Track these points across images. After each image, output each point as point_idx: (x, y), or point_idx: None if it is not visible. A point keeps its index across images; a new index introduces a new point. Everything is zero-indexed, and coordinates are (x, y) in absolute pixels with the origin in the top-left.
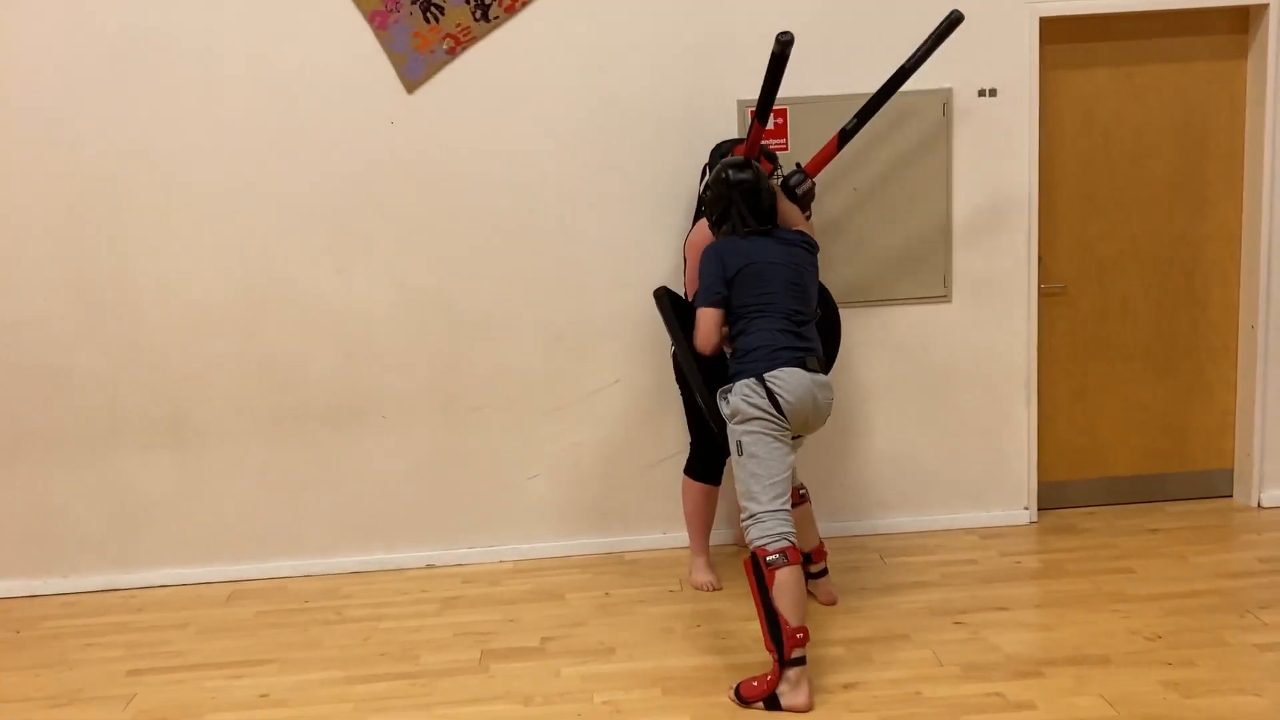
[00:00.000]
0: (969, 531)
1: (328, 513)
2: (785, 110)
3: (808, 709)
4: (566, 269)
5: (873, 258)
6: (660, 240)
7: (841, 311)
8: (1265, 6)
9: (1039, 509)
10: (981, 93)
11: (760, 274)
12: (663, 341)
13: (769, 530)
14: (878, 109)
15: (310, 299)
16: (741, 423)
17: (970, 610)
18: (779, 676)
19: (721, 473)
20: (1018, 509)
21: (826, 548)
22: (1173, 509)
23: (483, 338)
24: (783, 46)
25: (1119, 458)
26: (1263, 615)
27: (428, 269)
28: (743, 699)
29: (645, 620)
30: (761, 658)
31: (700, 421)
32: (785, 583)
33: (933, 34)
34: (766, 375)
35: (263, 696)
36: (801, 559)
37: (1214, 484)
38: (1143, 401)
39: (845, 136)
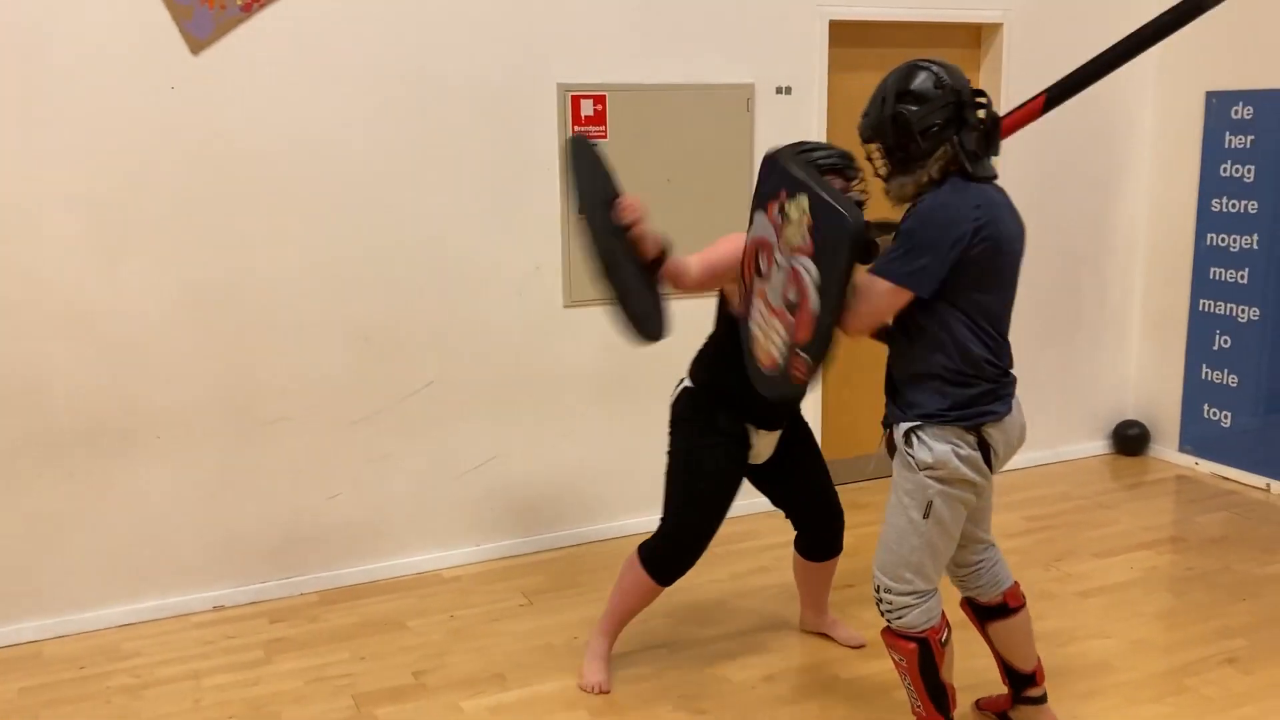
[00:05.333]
0: (772, 515)
1: (84, 557)
2: (605, 97)
3: None
4: (375, 262)
5: (682, 247)
6: (478, 230)
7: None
8: (998, 25)
9: None
10: (779, 90)
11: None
12: (480, 338)
13: (936, 609)
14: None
15: (62, 299)
16: (942, 480)
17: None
18: None
19: (682, 574)
20: None
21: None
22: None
23: (279, 340)
24: None
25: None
26: (1064, 567)
27: (213, 261)
28: None
29: (513, 639)
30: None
31: (690, 495)
32: (950, 654)
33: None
34: (988, 427)
35: None
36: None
37: None
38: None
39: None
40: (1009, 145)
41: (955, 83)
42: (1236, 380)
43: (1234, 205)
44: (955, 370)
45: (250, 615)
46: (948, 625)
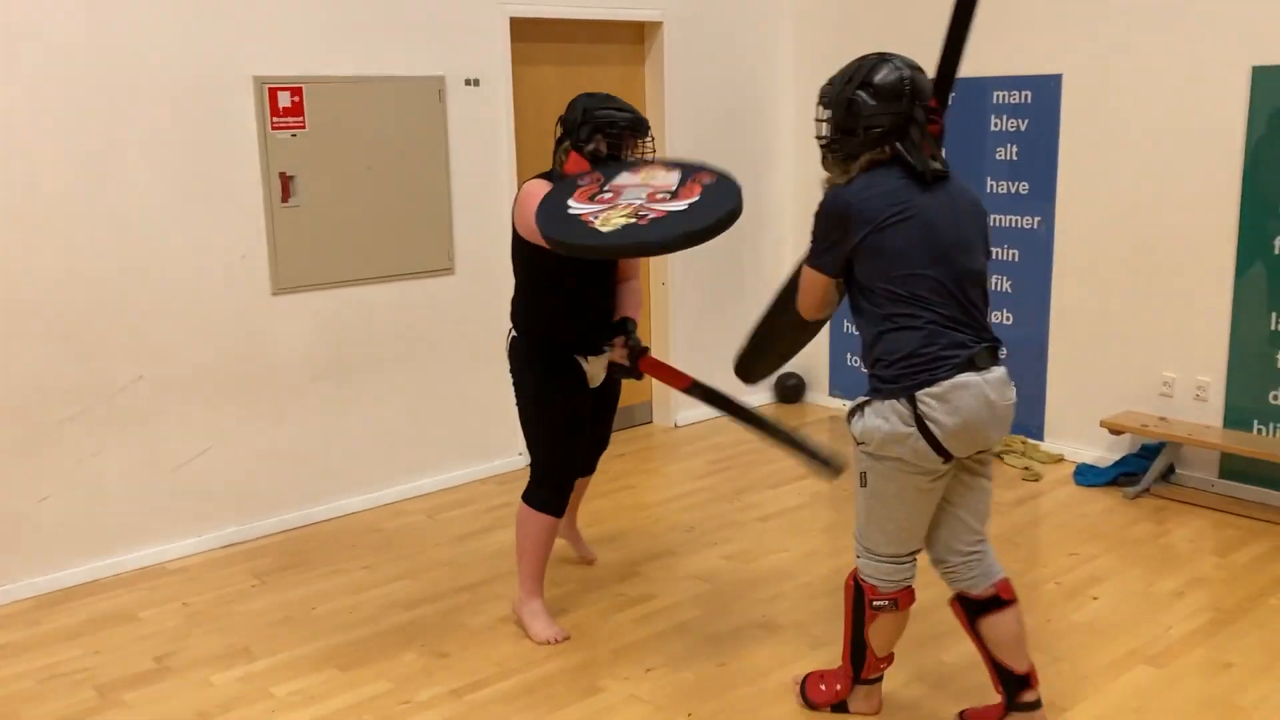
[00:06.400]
0: (485, 481)
1: None
2: (301, 89)
3: (877, 712)
4: (70, 261)
5: (382, 234)
6: (180, 223)
7: (354, 289)
8: (659, 24)
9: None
10: (468, 82)
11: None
12: (189, 330)
13: (886, 575)
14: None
15: None
16: (871, 454)
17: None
18: (849, 689)
19: (567, 502)
20: (514, 454)
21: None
22: (619, 437)
23: None
24: None
25: None
26: (745, 499)
27: None
28: (805, 697)
29: (251, 617)
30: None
31: (549, 434)
32: (885, 625)
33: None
34: (920, 394)
35: None
36: (1001, 680)
37: (639, 414)
38: None
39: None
40: (681, 131)
41: (915, 95)
42: None
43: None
44: (886, 347)
45: None
46: (890, 600)
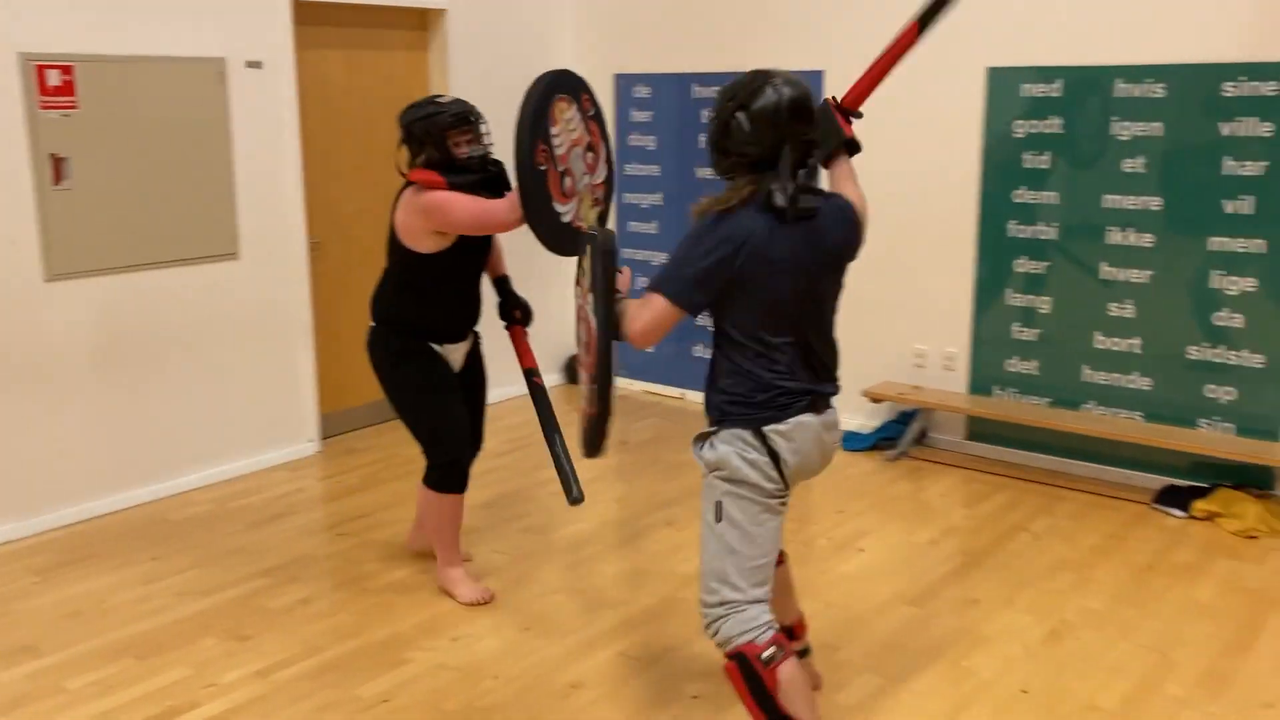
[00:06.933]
0: (275, 469)
1: None
2: (73, 68)
3: None
4: None
5: (163, 219)
6: None
7: (134, 274)
8: (443, 11)
9: (321, 439)
10: (250, 64)
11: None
12: None
13: (754, 621)
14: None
15: None
16: (727, 481)
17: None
18: None
19: (465, 477)
20: (304, 442)
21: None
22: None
23: None
24: None
25: (373, 384)
26: (540, 475)
27: None
28: None
29: (34, 614)
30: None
31: (428, 418)
32: (792, 680)
33: None
34: (767, 429)
35: None
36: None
37: None
38: None
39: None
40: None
41: (792, 118)
42: None
43: (641, 169)
44: (739, 380)
45: None
46: (777, 645)
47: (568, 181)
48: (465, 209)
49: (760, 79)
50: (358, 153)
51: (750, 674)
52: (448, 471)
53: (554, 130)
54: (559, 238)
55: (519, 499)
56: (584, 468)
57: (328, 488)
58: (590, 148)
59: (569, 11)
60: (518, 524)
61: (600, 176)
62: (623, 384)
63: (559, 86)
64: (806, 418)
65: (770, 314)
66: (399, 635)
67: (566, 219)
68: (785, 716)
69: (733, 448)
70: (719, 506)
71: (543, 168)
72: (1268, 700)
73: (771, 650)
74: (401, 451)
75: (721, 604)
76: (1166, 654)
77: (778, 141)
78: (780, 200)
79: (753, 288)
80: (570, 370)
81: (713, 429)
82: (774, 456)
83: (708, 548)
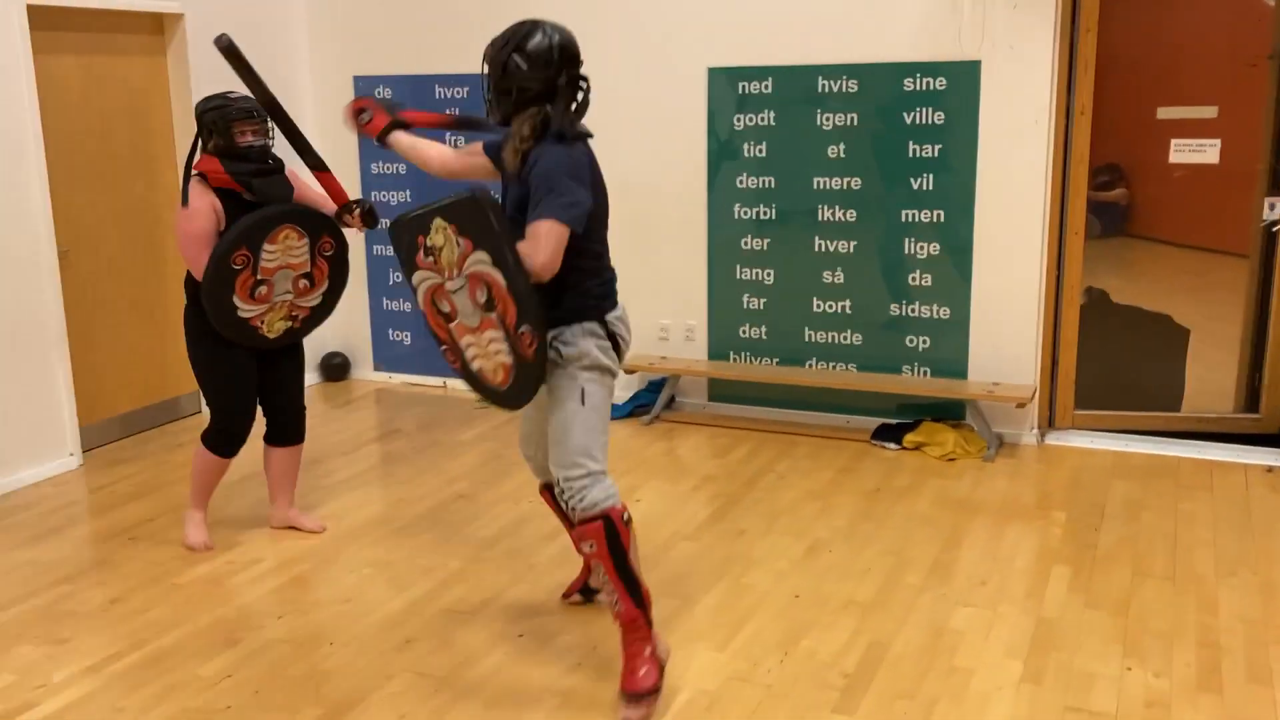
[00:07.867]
0: (39, 484)
1: None
2: None
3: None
4: None
5: None
6: None
7: None
8: (180, 15)
9: (83, 451)
10: None
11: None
12: None
13: (613, 488)
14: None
15: None
16: (589, 369)
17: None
18: (654, 641)
19: (236, 449)
20: (65, 456)
21: None
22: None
23: None
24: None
25: (130, 393)
26: (323, 467)
27: None
28: (638, 694)
29: None
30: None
31: (216, 388)
32: (633, 539)
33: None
34: (608, 316)
35: None
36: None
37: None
38: (134, 344)
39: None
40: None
41: (563, 59)
42: (409, 307)
43: (389, 169)
44: (582, 279)
45: None
46: (626, 508)
47: (262, 289)
48: (180, 230)
49: (530, 24)
50: (101, 159)
51: (612, 532)
52: (219, 437)
53: (269, 247)
54: (223, 321)
55: (305, 490)
56: (365, 456)
57: (102, 498)
58: (309, 278)
59: (304, 15)
60: (315, 513)
61: (311, 302)
62: (381, 378)
63: (291, 218)
64: (620, 306)
65: (601, 221)
66: (223, 620)
67: (243, 315)
68: (636, 576)
69: (590, 339)
70: (583, 392)
71: (236, 267)
72: (981, 579)
73: (627, 514)
74: (170, 458)
75: (586, 475)
76: (901, 555)
77: (552, 77)
78: (564, 127)
79: (597, 200)
80: (328, 368)
81: (559, 329)
82: (613, 340)
83: (572, 429)
